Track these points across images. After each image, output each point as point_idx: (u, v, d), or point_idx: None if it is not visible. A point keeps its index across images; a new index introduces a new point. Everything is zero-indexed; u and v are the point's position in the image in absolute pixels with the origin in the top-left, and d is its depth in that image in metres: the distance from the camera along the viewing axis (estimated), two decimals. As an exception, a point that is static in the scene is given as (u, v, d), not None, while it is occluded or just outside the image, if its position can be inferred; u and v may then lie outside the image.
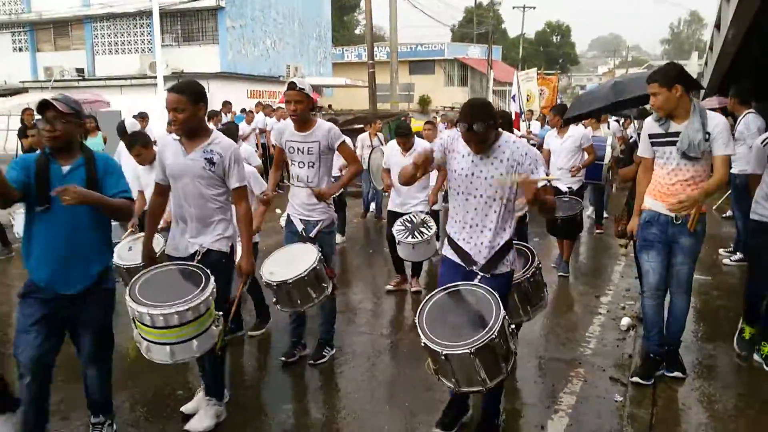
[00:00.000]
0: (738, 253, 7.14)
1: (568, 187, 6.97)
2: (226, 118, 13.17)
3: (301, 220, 4.36)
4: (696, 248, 3.97)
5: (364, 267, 7.70)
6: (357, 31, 58.28)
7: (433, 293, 3.15)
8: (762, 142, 4.56)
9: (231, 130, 6.39)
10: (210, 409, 3.60)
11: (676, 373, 4.13)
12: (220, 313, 3.32)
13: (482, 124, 3.04)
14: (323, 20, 31.34)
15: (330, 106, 28.25)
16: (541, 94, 19.02)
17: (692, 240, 3.92)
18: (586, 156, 7.29)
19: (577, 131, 7.35)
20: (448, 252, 3.33)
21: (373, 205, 10.67)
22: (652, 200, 4.03)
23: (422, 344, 2.91)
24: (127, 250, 4.85)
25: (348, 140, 4.57)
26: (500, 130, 3.17)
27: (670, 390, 3.98)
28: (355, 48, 42.47)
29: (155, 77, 17.67)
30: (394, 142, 6.51)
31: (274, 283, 4.03)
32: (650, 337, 4.14)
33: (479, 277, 3.17)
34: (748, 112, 6.79)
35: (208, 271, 3.24)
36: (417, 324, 2.97)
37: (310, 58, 29.98)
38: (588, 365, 4.45)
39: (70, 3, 24.43)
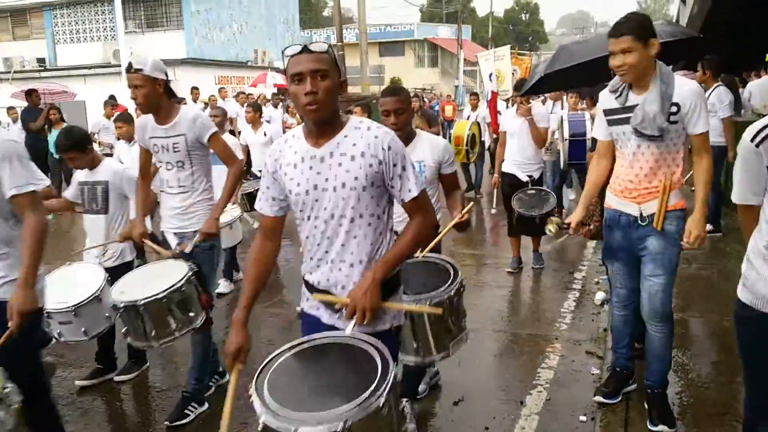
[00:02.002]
0: (709, 224, 7.26)
1: (528, 176, 6.10)
2: (195, 106, 12.96)
3: (175, 234, 3.58)
4: (669, 255, 3.12)
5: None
6: (325, 13, 57.68)
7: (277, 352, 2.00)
8: (753, 139, 2.92)
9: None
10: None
11: (662, 427, 3.19)
12: (8, 386, 2.36)
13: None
14: (290, 3, 30.92)
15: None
16: (513, 73, 18.99)
17: (662, 243, 3.11)
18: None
19: (539, 110, 6.38)
20: (305, 304, 2.29)
21: None
22: (611, 196, 3.28)
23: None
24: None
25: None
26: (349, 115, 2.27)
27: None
28: (323, 30, 42.10)
29: (119, 65, 17.29)
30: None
31: (122, 305, 3.23)
32: (618, 349, 3.57)
33: (352, 324, 2.06)
34: (718, 85, 6.90)
35: None
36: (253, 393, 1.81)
37: (278, 42, 29.58)
38: (564, 340, 4.51)
39: (27, -10, 23.71)
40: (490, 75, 14.41)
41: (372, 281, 2.05)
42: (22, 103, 12.52)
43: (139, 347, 3.54)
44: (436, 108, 19.99)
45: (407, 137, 3.23)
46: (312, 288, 2.24)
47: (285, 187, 2.17)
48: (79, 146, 3.91)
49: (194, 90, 14.35)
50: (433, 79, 39.99)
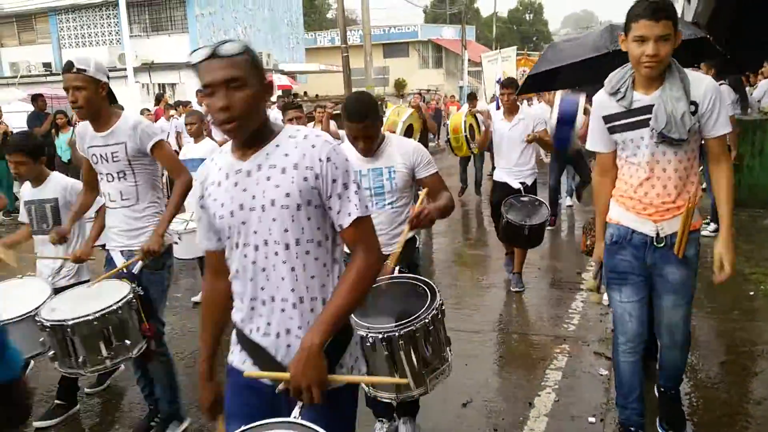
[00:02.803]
0: (713, 223, 7.22)
1: (521, 183, 5.61)
2: (201, 108, 12.98)
3: (122, 252, 3.22)
4: (689, 282, 2.79)
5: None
6: (329, 15, 57.72)
7: None
8: None
9: None
10: None
11: None
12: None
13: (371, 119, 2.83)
14: (294, 5, 30.99)
15: (306, 93, 28.02)
16: (523, 75, 18.95)
17: (683, 271, 2.75)
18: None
19: (530, 111, 5.91)
20: (236, 358, 1.88)
21: None
22: (619, 210, 2.82)
23: None
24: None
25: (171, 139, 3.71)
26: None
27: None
28: (327, 32, 42.11)
29: (125, 69, 17.36)
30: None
31: (48, 324, 2.89)
32: (628, 404, 3.01)
33: (298, 409, 1.68)
34: (722, 83, 6.88)
35: None
36: None
37: (282, 45, 29.66)
38: (572, 341, 4.49)
39: (33, -5, 23.85)
40: (499, 79, 14.31)
41: (310, 351, 1.64)
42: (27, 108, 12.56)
43: (67, 374, 3.21)
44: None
45: (378, 143, 3.00)
46: (247, 342, 1.81)
47: (211, 212, 1.81)
48: (32, 153, 3.58)
49: (199, 93, 14.35)
50: (437, 80, 39.95)
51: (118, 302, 2.93)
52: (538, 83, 5.41)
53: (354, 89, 22.13)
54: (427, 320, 2.39)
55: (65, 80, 2.98)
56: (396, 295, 2.63)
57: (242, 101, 1.64)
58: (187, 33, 23.88)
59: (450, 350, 2.59)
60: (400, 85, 38.50)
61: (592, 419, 3.42)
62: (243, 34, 26.47)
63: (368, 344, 2.33)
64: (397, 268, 2.79)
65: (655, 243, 2.73)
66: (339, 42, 22.17)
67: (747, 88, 8.90)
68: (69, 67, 2.96)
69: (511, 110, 5.59)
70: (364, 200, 1.76)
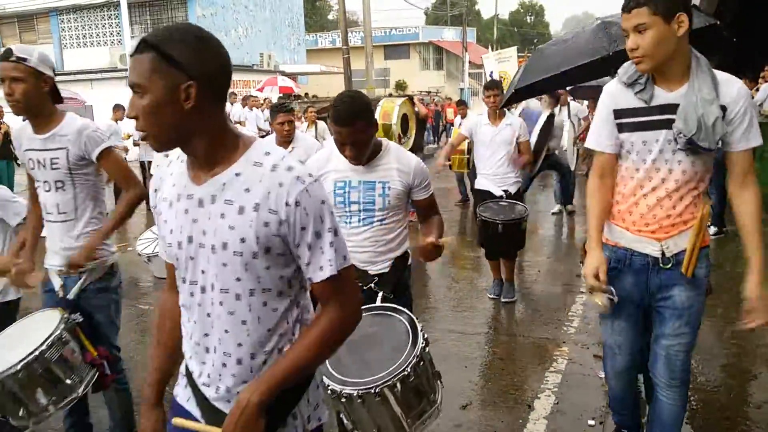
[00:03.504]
0: (713, 227, 7.21)
1: (504, 190, 5.38)
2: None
3: (59, 272, 2.82)
4: (698, 307, 2.42)
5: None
6: (330, 17, 57.80)
7: None
8: None
9: None
10: None
11: None
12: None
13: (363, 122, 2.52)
14: (295, 6, 31.03)
15: (306, 94, 28.02)
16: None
17: (692, 292, 2.38)
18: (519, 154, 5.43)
19: (516, 119, 5.56)
20: (181, 392, 1.66)
21: None
22: (616, 228, 2.47)
23: None
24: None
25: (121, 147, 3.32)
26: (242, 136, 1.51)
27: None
28: (328, 34, 42.16)
29: (126, 69, 17.34)
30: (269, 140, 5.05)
31: None
32: (622, 414, 2.92)
33: None
34: None
35: None
36: None
37: (283, 46, 29.69)
38: (572, 343, 4.48)
39: (34, -4, 23.89)
40: (491, 73, 14.15)
41: (246, 410, 1.40)
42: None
43: (18, 427, 2.70)
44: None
45: (372, 151, 2.67)
46: (191, 382, 1.60)
47: (161, 233, 1.57)
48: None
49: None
50: (438, 82, 39.96)
51: (44, 343, 2.46)
52: (523, 93, 4.82)
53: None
54: (406, 372, 2.05)
55: (1, 69, 2.57)
56: (374, 334, 2.31)
57: (145, 111, 1.36)
58: (188, 34, 23.94)
59: (440, 384, 2.34)
60: (400, 87, 38.52)
61: (591, 422, 3.41)
62: (244, 35, 26.52)
63: (342, 400, 2.07)
64: (380, 294, 2.60)
65: (661, 264, 2.36)
66: (340, 43, 22.19)
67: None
68: (7, 54, 2.56)
69: (497, 114, 5.35)
70: (342, 249, 1.48)
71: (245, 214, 1.40)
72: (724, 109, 2.18)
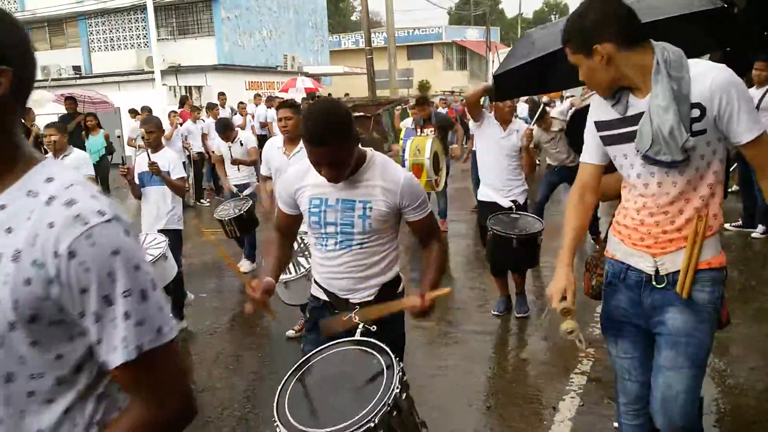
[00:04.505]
0: (760, 225, 6.86)
1: (512, 201, 4.94)
2: (223, 111, 13.15)
3: None
4: (700, 338, 2.08)
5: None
6: (353, 18, 57.97)
7: None
8: None
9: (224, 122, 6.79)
10: None
11: None
12: None
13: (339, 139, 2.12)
14: (318, 7, 31.18)
15: (330, 94, 28.14)
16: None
17: (690, 320, 2.07)
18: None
19: (524, 125, 5.12)
20: None
21: None
22: (614, 240, 2.27)
23: None
24: None
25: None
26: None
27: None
28: (351, 35, 42.30)
29: (152, 72, 17.61)
30: (274, 139, 4.97)
31: None
32: None
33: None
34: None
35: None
36: None
37: (307, 47, 29.86)
38: (597, 345, 4.44)
39: (63, 0, 24.32)
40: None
41: None
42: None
43: None
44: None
45: (354, 164, 2.28)
46: None
47: None
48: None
49: (221, 96, 14.42)
50: (461, 82, 39.84)
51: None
52: (516, 86, 4.12)
53: (378, 91, 22.21)
54: (372, 424, 1.74)
55: None
56: (343, 374, 2.03)
57: None
58: (213, 36, 24.17)
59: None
60: (424, 87, 38.50)
61: (616, 424, 3.38)
62: (268, 37, 26.72)
63: None
64: (360, 326, 2.26)
65: (654, 282, 2.11)
66: (363, 44, 22.27)
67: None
68: None
69: (507, 120, 4.96)
70: (150, 321, 1.03)
71: (0, 263, 0.98)
72: (702, 108, 1.93)
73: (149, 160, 4.83)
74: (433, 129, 7.68)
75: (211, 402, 3.84)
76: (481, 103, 5.12)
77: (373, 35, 25.27)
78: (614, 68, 2.00)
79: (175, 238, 4.92)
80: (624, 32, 1.96)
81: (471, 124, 5.40)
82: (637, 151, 2.04)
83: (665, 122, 1.93)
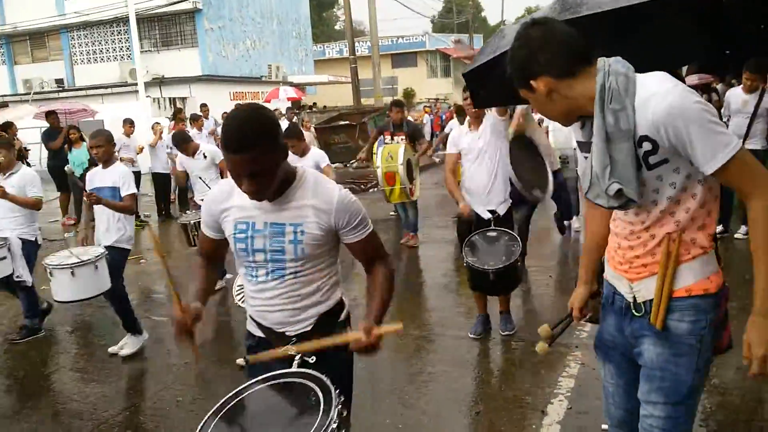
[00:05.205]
0: (743, 226, 6.88)
1: (491, 211, 4.55)
2: (208, 122, 13.05)
3: None
4: (676, 373, 1.88)
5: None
6: (337, 27, 58.15)
7: None
8: None
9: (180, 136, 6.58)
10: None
11: None
12: None
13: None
14: (302, 17, 31.27)
15: (315, 104, 28.19)
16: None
17: (663, 350, 1.88)
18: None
19: (497, 119, 4.58)
20: None
21: None
22: (606, 263, 2.11)
23: None
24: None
25: None
26: None
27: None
28: (335, 44, 42.41)
29: (136, 84, 17.55)
30: None
31: None
32: None
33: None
34: (733, 84, 6.72)
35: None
36: None
37: (291, 57, 29.89)
38: (584, 348, 4.47)
39: (45, 13, 24.18)
40: None
41: None
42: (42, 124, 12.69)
43: None
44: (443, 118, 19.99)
45: (281, 184, 2.00)
46: None
47: None
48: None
49: (203, 107, 14.18)
50: (446, 89, 40.04)
51: None
52: (493, 93, 3.57)
53: (363, 100, 22.27)
54: None
55: None
56: (276, 409, 1.88)
57: None
58: (197, 47, 24.14)
59: None
60: (408, 95, 38.64)
61: (605, 426, 3.39)
62: (252, 47, 26.72)
63: None
64: (297, 358, 2.04)
65: (633, 310, 1.95)
66: (347, 53, 22.32)
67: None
68: None
69: (477, 117, 4.59)
70: None
71: None
72: (652, 141, 1.70)
73: (84, 188, 4.85)
74: (404, 136, 7.59)
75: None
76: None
77: (357, 44, 25.36)
78: (561, 99, 1.83)
79: (118, 255, 4.80)
80: (558, 63, 1.78)
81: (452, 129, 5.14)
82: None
83: (599, 163, 1.76)
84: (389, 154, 7.03)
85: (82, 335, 5.44)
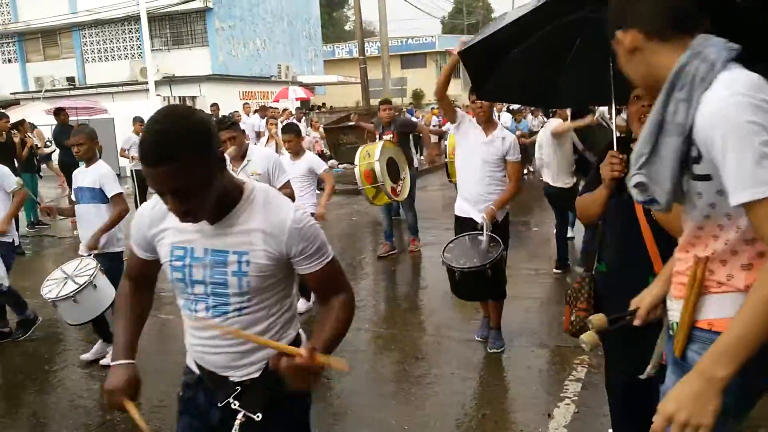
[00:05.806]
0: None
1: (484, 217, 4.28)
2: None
3: None
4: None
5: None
6: (347, 27, 58.21)
7: None
8: None
9: None
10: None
11: None
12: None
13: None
14: (312, 17, 31.31)
15: (324, 104, 28.24)
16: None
17: (678, 380, 1.50)
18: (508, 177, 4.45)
19: (511, 135, 4.55)
20: None
21: None
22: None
23: None
24: None
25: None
26: None
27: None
28: (345, 44, 42.45)
29: (146, 82, 17.62)
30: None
31: None
32: None
33: None
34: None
35: None
36: None
37: (301, 57, 29.95)
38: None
39: (57, 11, 24.33)
40: None
41: None
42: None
43: None
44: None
45: (222, 204, 1.68)
46: None
47: None
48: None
49: (213, 106, 14.32)
50: (455, 90, 39.90)
51: None
52: (492, 89, 3.30)
53: (372, 100, 22.26)
54: None
55: None
56: None
57: None
58: (207, 46, 24.22)
59: None
60: (418, 96, 38.62)
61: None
62: (262, 47, 26.79)
63: None
64: (240, 416, 1.79)
65: (670, 330, 1.71)
66: (357, 54, 22.32)
67: None
68: None
69: (488, 121, 4.45)
70: None
71: None
72: (698, 149, 1.46)
73: (42, 203, 4.89)
74: (392, 135, 7.40)
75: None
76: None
77: (366, 45, 25.34)
78: (642, 62, 1.53)
79: (112, 261, 4.45)
80: (651, 19, 1.48)
81: (451, 126, 4.92)
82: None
83: (636, 149, 1.53)
84: (366, 151, 6.74)
85: (89, 332, 5.46)
